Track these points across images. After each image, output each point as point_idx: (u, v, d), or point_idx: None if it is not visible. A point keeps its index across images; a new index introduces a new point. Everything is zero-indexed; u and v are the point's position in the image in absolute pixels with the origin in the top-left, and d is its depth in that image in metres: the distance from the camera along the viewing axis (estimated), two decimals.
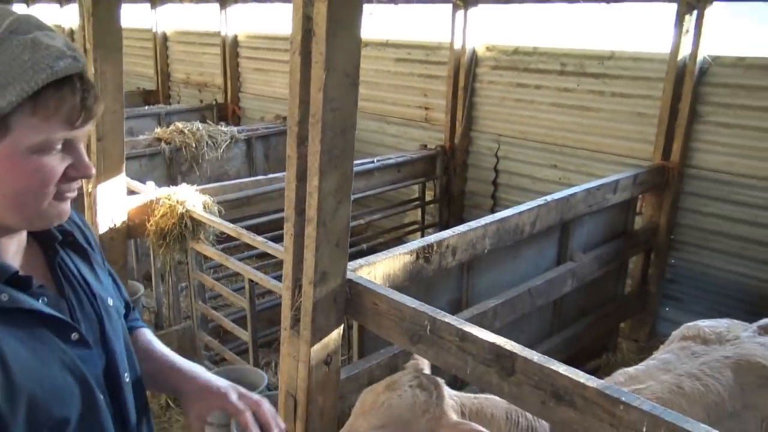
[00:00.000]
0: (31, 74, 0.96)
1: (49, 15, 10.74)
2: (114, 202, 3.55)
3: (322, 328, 2.28)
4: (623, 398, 1.62)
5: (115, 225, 3.59)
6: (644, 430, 1.57)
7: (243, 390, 1.35)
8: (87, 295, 1.21)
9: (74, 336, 1.13)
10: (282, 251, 3.45)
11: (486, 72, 5.64)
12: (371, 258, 2.56)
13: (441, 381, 2.05)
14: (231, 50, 7.97)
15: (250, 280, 3.44)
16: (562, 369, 1.76)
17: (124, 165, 3.57)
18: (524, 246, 3.59)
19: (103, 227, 3.51)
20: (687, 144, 4.47)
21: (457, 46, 5.61)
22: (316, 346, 2.28)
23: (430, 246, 2.74)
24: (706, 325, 2.63)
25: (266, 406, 1.32)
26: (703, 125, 4.45)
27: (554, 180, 5.30)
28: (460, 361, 1.99)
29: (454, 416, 1.93)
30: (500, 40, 5.53)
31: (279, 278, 3.75)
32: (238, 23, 7.98)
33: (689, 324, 2.68)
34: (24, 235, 1.14)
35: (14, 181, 1.01)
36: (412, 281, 2.74)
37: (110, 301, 1.26)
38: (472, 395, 2.19)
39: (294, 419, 2.38)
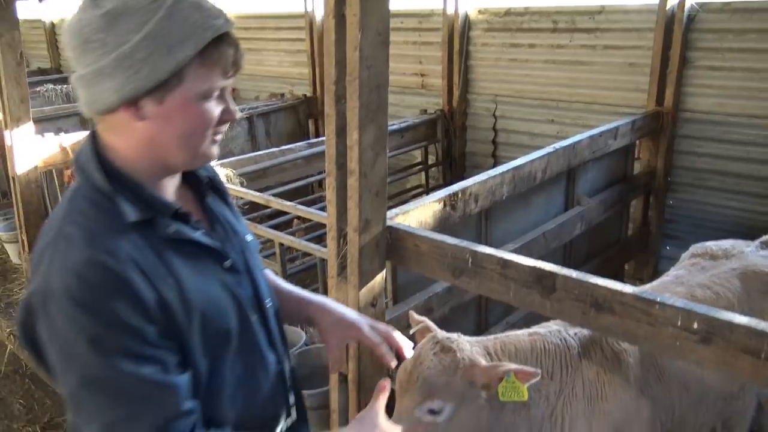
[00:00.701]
0: (200, 32, 1.12)
1: (28, 11, 10.66)
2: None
3: (367, 272, 2.47)
4: (658, 299, 1.83)
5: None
6: (679, 323, 1.78)
7: (373, 321, 1.57)
8: (230, 231, 1.39)
9: (227, 263, 1.31)
10: (312, 213, 3.65)
11: (479, 35, 5.79)
12: (404, 207, 2.75)
13: (457, 335, 2.16)
14: None
15: (281, 244, 3.62)
16: (600, 281, 1.97)
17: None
18: (535, 194, 3.79)
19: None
20: (679, 89, 4.67)
21: (450, 11, 5.75)
22: (363, 290, 2.47)
23: (455, 194, 2.93)
24: (712, 244, 2.86)
25: (396, 334, 1.54)
26: (693, 70, 4.65)
27: (552, 135, 5.49)
28: (503, 287, 2.20)
29: (483, 361, 2.06)
30: (492, 3, 5.67)
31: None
32: (227, 4, 8.02)
33: (697, 245, 2.91)
34: (178, 178, 1.32)
35: (185, 123, 1.18)
36: (439, 228, 2.93)
37: (248, 237, 1.45)
38: (491, 336, 2.31)
39: (347, 360, 2.58)
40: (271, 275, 1.66)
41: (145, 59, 1.10)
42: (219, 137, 1.26)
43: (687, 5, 4.47)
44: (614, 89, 5.10)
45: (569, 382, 2.23)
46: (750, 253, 2.74)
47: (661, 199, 4.94)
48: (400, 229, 2.50)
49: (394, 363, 1.52)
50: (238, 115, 1.28)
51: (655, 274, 5.03)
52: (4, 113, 4.62)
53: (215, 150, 1.27)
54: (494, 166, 5.90)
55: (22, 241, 4.95)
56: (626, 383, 2.30)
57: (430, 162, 6.16)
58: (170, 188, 1.29)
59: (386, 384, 1.38)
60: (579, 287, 1.99)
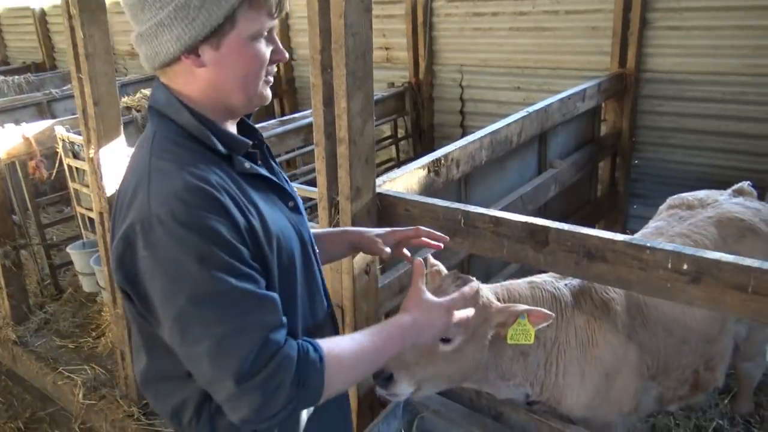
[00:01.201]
0: None
1: None
2: (117, 165, 3.62)
3: None
4: (648, 244, 1.92)
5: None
6: (669, 265, 1.87)
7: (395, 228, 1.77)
8: (283, 179, 1.49)
9: (291, 203, 1.43)
10: (301, 188, 3.64)
11: (442, 5, 5.81)
12: (390, 174, 2.78)
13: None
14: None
15: None
16: (591, 231, 2.05)
17: (122, 127, 3.64)
18: (510, 158, 3.86)
19: (109, 190, 3.58)
20: (640, 51, 4.80)
21: None
22: (357, 258, 2.50)
23: (438, 160, 2.97)
24: (688, 194, 2.98)
25: (422, 229, 1.73)
26: (653, 31, 4.78)
27: (519, 102, 5.57)
28: (496, 245, 2.26)
29: (497, 302, 2.14)
30: None
31: None
32: None
33: (674, 196, 3.03)
34: (235, 127, 1.40)
35: (242, 65, 1.27)
36: (425, 194, 2.98)
37: (293, 186, 1.54)
38: (497, 284, 2.41)
39: (343, 327, 2.62)
40: None
41: (200, 7, 1.19)
42: (270, 78, 1.34)
43: None
44: (578, 53, 5.20)
45: (563, 329, 2.31)
46: (724, 201, 2.86)
47: (627, 159, 5.09)
48: (390, 195, 2.54)
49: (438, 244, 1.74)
50: (287, 55, 1.35)
51: (624, 232, 5.20)
52: None
53: (268, 92, 1.35)
54: (462, 136, 5.97)
55: None
56: (615, 330, 2.40)
57: (399, 135, 6.19)
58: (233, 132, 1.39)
59: (420, 261, 1.50)
60: (571, 239, 2.07)
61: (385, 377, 1.89)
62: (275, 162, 1.52)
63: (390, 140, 6.17)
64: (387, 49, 6.32)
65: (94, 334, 4.63)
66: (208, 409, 1.32)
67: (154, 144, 1.26)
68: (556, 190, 4.15)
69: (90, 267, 4.47)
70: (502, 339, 2.07)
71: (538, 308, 2.04)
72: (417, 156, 6.10)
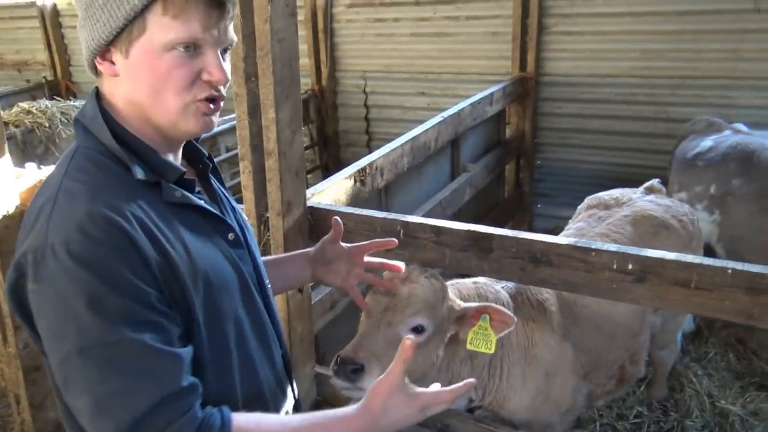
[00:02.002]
0: None
1: None
2: (2, 185, 3.25)
3: None
4: (593, 245, 1.93)
5: (8, 211, 3.29)
6: (615, 266, 1.89)
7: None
8: (229, 208, 1.32)
9: (231, 236, 1.24)
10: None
11: (343, 11, 5.75)
12: (318, 187, 2.66)
13: None
14: (52, 21, 7.24)
15: None
16: (535, 236, 2.04)
17: (6, 146, 3.26)
18: (425, 164, 3.85)
19: None
20: (539, 55, 4.98)
21: None
22: None
23: (363, 169, 2.89)
24: (604, 194, 3.09)
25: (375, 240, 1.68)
26: (549, 36, 4.97)
27: (423, 107, 5.62)
28: (438, 255, 2.20)
29: (459, 301, 2.09)
30: None
31: None
32: None
33: (591, 196, 3.13)
34: (180, 152, 1.24)
35: (153, 76, 1.09)
36: (352, 205, 2.89)
37: (245, 216, 1.39)
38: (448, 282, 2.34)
39: (293, 384, 2.47)
40: None
41: (103, 6, 1.06)
42: (211, 105, 1.14)
43: None
44: (479, 58, 5.32)
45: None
46: (638, 199, 2.99)
47: (530, 160, 5.26)
48: (322, 208, 2.42)
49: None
50: (224, 76, 1.12)
51: (532, 231, 5.36)
52: None
53: (209, 119, 1.15)
54: (368, 142, 5.94)
55: None
56: (551, 329, 2.43)
57: (304, 144, 6.03)
58: (171, 159, 1.21)
59: (410, 345, 1.19)
60: (516, 244, 2.04)
61: (355, 368, 1.74)
62: (223, 188, 1.37)
63: None
64: None
65: None
66: None
67: (71, 163, 1.11)
68: (471, 194, 4.19)
69: None
70: (459, 342, 2.01)
71: (503, 308, 1.98)
72: (324, 164, 6.00)
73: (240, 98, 2.21)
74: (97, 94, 1.17)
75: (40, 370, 3.06)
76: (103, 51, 1.10)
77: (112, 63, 1.10)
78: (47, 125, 5.15)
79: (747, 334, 3.99)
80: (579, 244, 1.95)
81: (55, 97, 6.16)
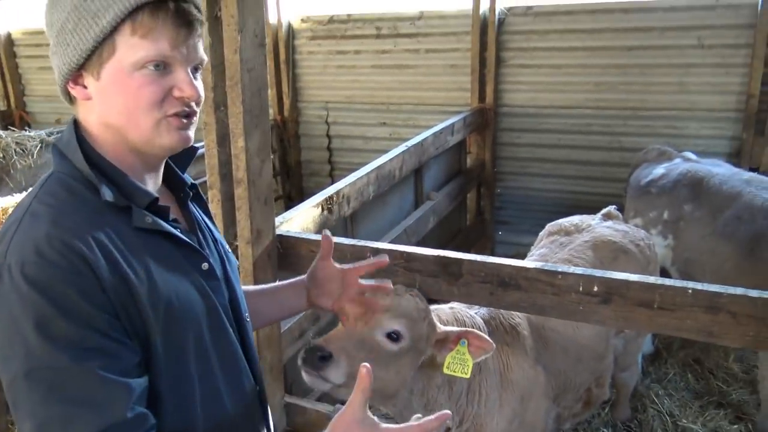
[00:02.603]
0: None
1: None
2: None
3: (262, 284, 2.36)
4: (560, 269, 1.99)
5: None
6: (581, 288, 1.95)
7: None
8: (211, 238, 1.30)
9: (204, 266, 1.20)
10: None
11: (304, 43, 5.82)
12: (286, 215, 2.67)
13: None
14: (6, 51, 7.10)
15: None
16: (503, 261, 2.09)
17: None
18: (390, 193, 3.90)
19: None
20: (497, 87, 5.13)
21: (272, 21, 5.70)
22: None
23: (330, 197, 2.91)
24: (564, 221, 3.18)
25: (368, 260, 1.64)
26: (507, 69, 5.13)
27: (385, 137, 5.70)
28: (408, 280, 2.22)
29: (440, 325, 2.08)
30: (314, 11, 5.74)
31: None
32: (10, 20, 7.12)
33: (552, 223, 3.21)
34: (160, 177, 1.23)
35: (124, 96, 1.09)
36: (319, 233, 2.90)
37: (228, 248, 1.35)
38: None
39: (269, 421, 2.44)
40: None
41: (73, 30, 1.07)
42: (184, 121, 1.13)
43: (497, 9, 4.91)
44: (439, 90, 5.44)
45: None
46: (596, 225, 3.08)
47: (491, 188, 5.37)
48: (290, 236, 2.43)
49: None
50: (195, 92, 1.13)
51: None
52: None
53: (185, 134, 1.14)
54: (331, 172, 5.98)
55: None
56: (524, 353, 2.46)
57: None
58: (149, 183, 1.20)
59: (367, 373, 1.14)
60: (484, 269, 2.09)
61: (324, 355, 1.70)
62: (207, 218, 1.35)
63: None
64: None
65: None
66: None
67: (44, 186, 1.11)
68: (435, 221, 4.25)
69: None
70: (437, 366, 2.00)
71: (483, 334, 1.98)
72: (287, 194, 5.99)
73: (209, 127, 2.22)
74: (75, 122, 1.17)
75: None
76: (75, 75, 1.11)
77: (84, 87, 1.11)
78: (1, 155, 5.02)
79: (704, 354, 4.11)
80: (546, 268, 2.01)
81: (9, 127, 6.01)
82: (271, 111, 5.94)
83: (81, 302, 0.98)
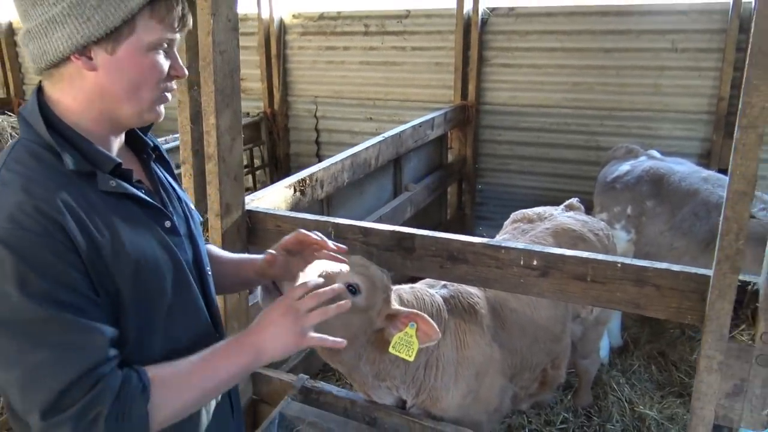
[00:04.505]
0: None
1: None
2: None
3: None
4: (503, 244, 2.13)
5: None
6: (522, 262, 2.09)
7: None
8: (175, 197, 1.41)
9: (167, 224, 1.32)
10: None
11: (295, 39, 5.97)
12: (257, 194, 2.80)
13: None
14: (7, 40, 7.26)
15: None
16: (452, 236, 2.23)
17: None
18: (368, 182, 4.04)
19: None
20: (479, 85, 5.27)
21: (264, 15, 5.85)
22: None
23: (303, 180, 3.05)
24: (528, 210, 3.32)
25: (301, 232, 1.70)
26: (489, 67, 5.28)
27: (371, 132, 5.82)
28: (365, 254, 2.36)
29: (395, 303, 2.17)
30: (305, 8, 5.89)
31: None
32: (7, 11, 7.27)
33: (516, 212, 3.36)
34: (122, 139, 1.34)
35: (136, 73, 1.21)
36: None
37: (192, 206, 1.47)
38: None
39: None
40: (212, 247, 1.70)
41: (96, 6, 1.14)
42: (168, 96, 1.28)
43: (480, 10, 5.06)
44: (424, 87, 5.59)
45: (442, 332, 2.43)
46: (558, 215, 3.23)
47: (472, 184, 5.51)
48: (259, 211, 2.56)
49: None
50: (186, 72, 1.30)
51: None
52: None
53: (162, 109, 1.30)
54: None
55: None
56: (482, 331, 2.58)
57: (256, 164, 6.18)
58: (114, 148, 1.30)
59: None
60: (435, 244, 2.22)
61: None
62: (170, 177, 1.47)
63: (246, 169, 6.13)
64: (241, 79, 6.31)
65: None
66: None
67: (11, 153, 1.18)
68: (412, 212, 4.39)
69: None
70: (386, 345, 2.08)
71: (431, 321, 2.02)
72: None
73: (183, 105, 2.36)
74: (39, 90, 1.24)
75: None
76: (84, 47, 1.17)
77: (90, 58, 1.18)
78: None
79: (669, 348, 4.24)
80: (491, 243, 2.14)
81: (6, 112, 6.15)
82: (261, 104, 6.11)
83: (55, 262, 1.08)
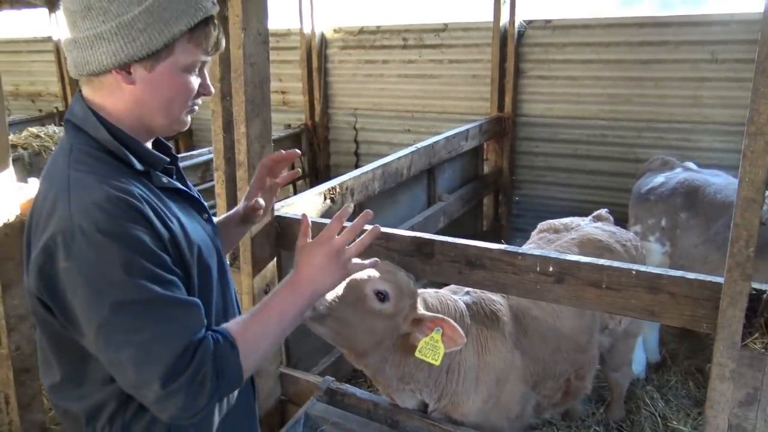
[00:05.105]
0: (193, 11, 1.29)
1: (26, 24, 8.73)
2: (4, 197, 3.52)
3: (259, 260, 2.60)
4: (520, 251, 2.16)
5: (9, 219, 3.54)
6: (538, 268, 2.12)
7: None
8: (195, 192, 1.55)
9: (205, 215, 1.50)
10: None
11: (336, 53, 6.12)
12: (288, 200, 2.91)
13: None
14: (65, 55, 7.65)
15: None
16: (470, 242, 2.28)
17: (10, 160, 3.54)
18: (401, 191, 4.12)
19: None
20: (516, 97, 5.30)
21: (306, 30, 6.03)
22: (257, 278, 2.60)
23: (333, 188, 3.15)
24: (555, 221, 3.32)
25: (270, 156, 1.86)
26: (526, 80, 5.30)
27: (409, 143, 5.86)
28: (387, 259, 2.44)
29: (421, 308, 2.25)
30: (346, 22, 6.05)
31: None
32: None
33: (543, 222, 3.37)
34: (151, 144, 1.45)
35: (170, 91, 1.33)
36: None
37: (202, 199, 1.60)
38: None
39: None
40: None
41: (143, 30, 1.25)
42: (195, 108, 1.41)
43: (517, 23, 5.10)
44: (461, 99, 5.64)
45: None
46: (585, 225, 3.22)
47: (508, 195, 5.52)
48: (288, 217, 2.67)
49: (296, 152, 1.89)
50: (213, 90, 1.43)
51: None
52: None
53: (189, 119, 1.42)
54: None
55: None
56: (503, 337, 2.61)
57: (298, 175, 6.32)
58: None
59: (306, 218, 1.49)
60: (454, 249, 2.28)
61: None
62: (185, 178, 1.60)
63: None
64: (283, 93, 6.52)
65: None
66: (122, 416, 1.35)
67: (71, 157, 1.27)
68: (445, 222, 4.43)
69: None
70: (412, 348, 2.15)
71: (457, 326, 2.09)
72: None
73: (216, 114, 2.49)
74: (82, 97, 1.34)
75: (30, 372, 3.21)
76: (127, 64, 1.28)
77: (129, 73, 1.28)
78: (53, 149, 5.46)
79: (708, 364, 4.15)
80: (508, 249, 2.18)
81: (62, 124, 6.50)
82: (302, 116, 6.27)
83: (152, 246, 1.20)
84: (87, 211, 1.17)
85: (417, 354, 2.12)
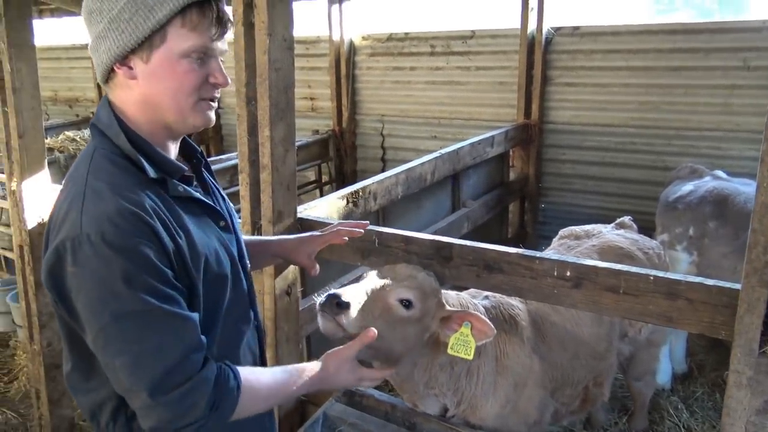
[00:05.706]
0: None
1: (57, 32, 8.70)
2: (40, 197, 3.64)
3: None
4: (537, 255, 2.17)
5: (43, 220, 3.66)
6: (555, 273, 2.12)
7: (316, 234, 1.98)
8: (220, 197, 1.58)
9: (222, 223, 1.50)
10: None
11: (364, 59, 6.19)
12: (311, 204, 2.97)
13: None
14: None
15: None
16: (489, 246, 2.29)
17: (46, 162, 3.67)
18: (425, 197, 4.14)
19: (31, 223, 3.58)
20: (543, 104, 5.28)
21: (335, 37, 6.11)
22: (278, 278, 2.65)
23: (356, 192, 3.19)
24: (577, 227, 3.31)
25: (342, 229, 1.97)
26: (553, 87, 5.28)
27: (435, 150, 5.86)
28: (407, 262, 2.46)
29: (447, 306, 2.27)
30: (374, 30, 6.11)
31: None
32: None
33: (564, 228, 3.36)
34: (177, 146, 1.47)
35: (171, 80, 1.31)
36: None
37: (230, 203, 1.64)
38: None
39: (264, 347, 2.73)
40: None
41: (129, 19, 1.26)
42: (212, 104, 1.39)
43: (544, 30, 5.09)
44: (488, 106, 5.65)
45: None
46: (606, 232, 3.21)
47: (534, 202, 5.49)
48: (310, 219, 2.71)
49: (360, 231, 2.00)
50: (227, 81, 1.37)
51: None
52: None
53: (211, 115, 1.40)
54: None
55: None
56: (521, 342, 2.61)
57: (323, 180, 6.41)
58: (173, 153, 1.45)
59: (372, 333, 1.63)
60: (472, 253, 2.29)
61: (341, 303, 1.86)
62: (214, 179, 1.62)
63: (314, 185, 6.38)
64: (312, 99, 6.61)
65: (5, 378, 4.47)
66: (124, 413, 1.38)
67: (92, 162, 1.30)
68: (469, 228, 4.44)
69: (5, 305, 4.36)
70: (441, 346, 2.17)
71: (485, 318, 2.11)
72: None
73: (241, 118, 2.55)
74: (108, 102, 1.36)
75: (60, 368, 3.31)
76: (124, 58, 1.29)
77: (130, 68, 1.29)
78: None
79: None
80: (525, 253, 2.19)
81: None
82: (330, 122, 6.34)
83: (155, 261, 1.22)
84: (97, 221, 1.21)
85: (449, 351, 2.13)
